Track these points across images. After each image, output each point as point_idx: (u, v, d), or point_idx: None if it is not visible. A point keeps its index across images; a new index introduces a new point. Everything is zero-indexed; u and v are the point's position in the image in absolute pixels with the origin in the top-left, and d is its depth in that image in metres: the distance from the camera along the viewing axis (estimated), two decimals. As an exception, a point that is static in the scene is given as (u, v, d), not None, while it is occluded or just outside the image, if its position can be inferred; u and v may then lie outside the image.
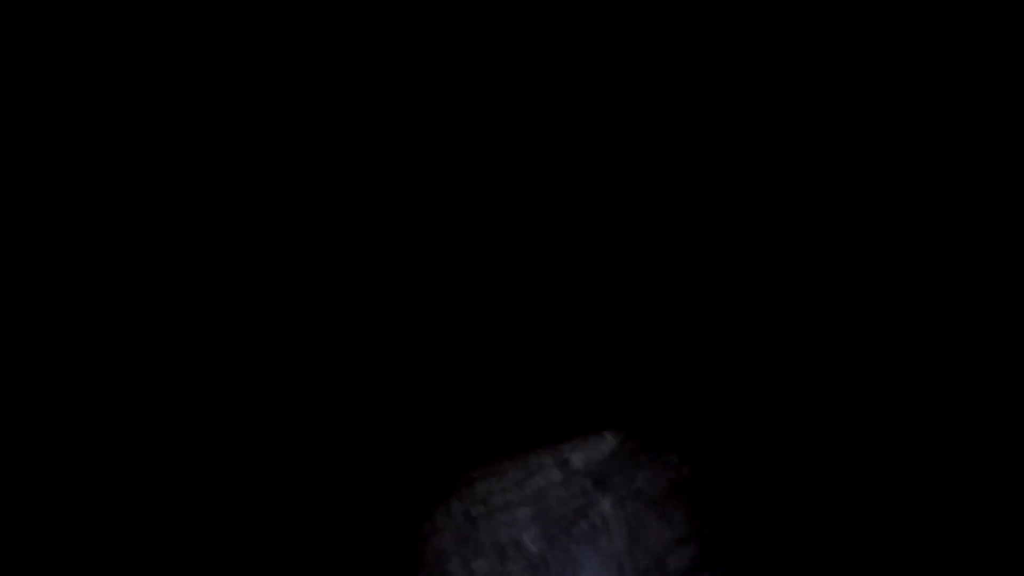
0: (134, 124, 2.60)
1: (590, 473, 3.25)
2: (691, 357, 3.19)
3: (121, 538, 2.65)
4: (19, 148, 2.47)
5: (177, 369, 2.83)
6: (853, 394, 2.74)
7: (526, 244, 3.18)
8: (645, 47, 2.81)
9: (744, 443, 3.00)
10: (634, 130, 2.97)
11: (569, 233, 3.16)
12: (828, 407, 2.78)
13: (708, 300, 3.14)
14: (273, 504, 3.14)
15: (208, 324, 2.84)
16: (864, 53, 2.70)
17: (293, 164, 2.72)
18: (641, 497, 3.15)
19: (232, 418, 3.01)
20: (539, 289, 3.23)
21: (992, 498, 2.35)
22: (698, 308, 3.15)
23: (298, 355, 3.07)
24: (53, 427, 2.61)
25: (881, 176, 2.75)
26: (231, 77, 2.62)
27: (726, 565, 2.94)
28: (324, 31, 2.61)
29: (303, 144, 2.70)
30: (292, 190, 2.76)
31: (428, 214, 3.01)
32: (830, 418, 2.77)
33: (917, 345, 2.65)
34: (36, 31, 2.37)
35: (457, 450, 3.32)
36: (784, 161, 2.89)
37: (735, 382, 3.06)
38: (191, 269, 2.73)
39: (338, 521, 3.22)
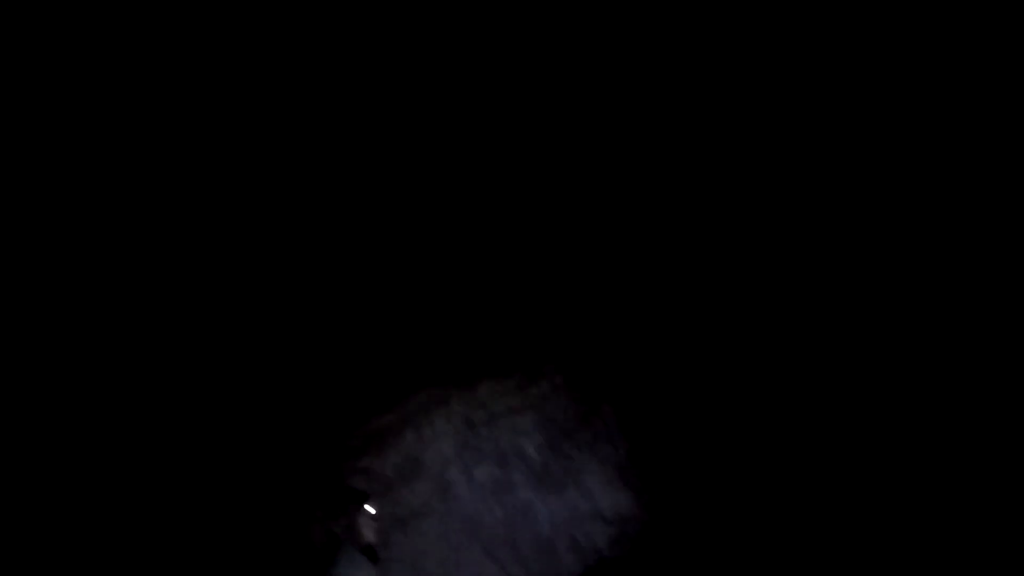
0: (134, 124, 2.47)
1: (592, 380, 3.14)
2: (686, 281, 3.06)
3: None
4: (19, 148, 2.36)
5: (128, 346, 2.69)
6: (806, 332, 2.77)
7: (512, 212, 3.02)
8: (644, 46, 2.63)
9: (739, 357, 2.92)
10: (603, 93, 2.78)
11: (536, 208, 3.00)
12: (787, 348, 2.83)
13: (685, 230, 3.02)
14: (268, 412, 3.06)
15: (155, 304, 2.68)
16: (864, 53, 2.54)
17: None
18: (645, 405, 3.04)
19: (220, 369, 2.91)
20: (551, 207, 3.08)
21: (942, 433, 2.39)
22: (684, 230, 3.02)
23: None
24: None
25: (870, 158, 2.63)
26: (230, 77, 2.46)
27: (732, 475, 2.86)
28: (324, 31, 2.44)
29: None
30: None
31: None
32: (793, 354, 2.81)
33: (855, 276, 2.66)
34: (36, 31, 2.23)
35: (458, 350, 3.21)
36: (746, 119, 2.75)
37: (722, 309, 2.98)
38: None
39: (333, 426, 3.14)
